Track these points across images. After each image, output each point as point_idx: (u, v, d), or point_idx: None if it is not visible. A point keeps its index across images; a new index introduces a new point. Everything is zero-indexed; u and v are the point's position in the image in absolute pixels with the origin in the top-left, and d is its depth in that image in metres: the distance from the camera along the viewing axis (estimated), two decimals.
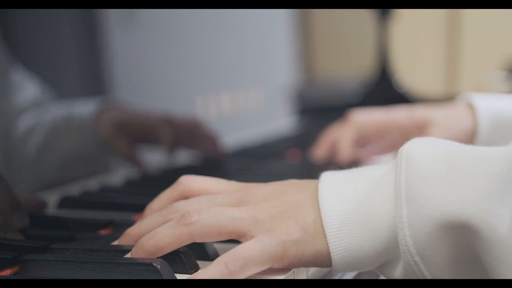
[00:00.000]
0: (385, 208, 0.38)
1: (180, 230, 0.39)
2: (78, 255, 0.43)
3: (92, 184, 0.64)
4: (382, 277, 0.41)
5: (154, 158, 0.73)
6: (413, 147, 0.39)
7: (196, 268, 0.41)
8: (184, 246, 0.41)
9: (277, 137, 1.00)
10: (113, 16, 0.67)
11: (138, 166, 0.70)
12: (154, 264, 0.38)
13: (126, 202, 0.59)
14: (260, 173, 0.70)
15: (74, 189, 0.62)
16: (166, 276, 0.38)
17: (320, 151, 0.76)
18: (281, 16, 1.11)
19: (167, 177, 0.72)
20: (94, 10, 0.65)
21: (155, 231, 0.40)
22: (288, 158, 0.79)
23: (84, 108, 0.63)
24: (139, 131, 0.71)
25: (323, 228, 0.39)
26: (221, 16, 0.89)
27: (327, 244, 0.39)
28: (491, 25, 1.69)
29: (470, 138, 0.70)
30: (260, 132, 0.99)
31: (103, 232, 0.52)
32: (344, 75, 1.29)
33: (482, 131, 0.68)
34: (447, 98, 1.25)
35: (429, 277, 0.37)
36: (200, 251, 0.43)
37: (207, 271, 0.37)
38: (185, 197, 0.45)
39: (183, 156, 0.78)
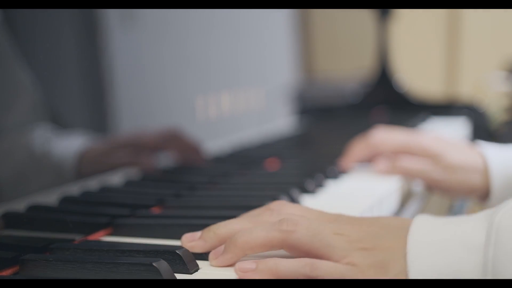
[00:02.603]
0: (471, 275, 0.38)
1: (274, 235, 0.41)
2: (78, 255, 0.43)
3: (92, 184, 0.64)
4: (382, 277, 0.41)
5: (154, 158, 0.73)
6: (506, 218, 0.38)
7: (196, 268, 0.41)
8: None
9: (277, 137, 1.00)
10: (113, 16, 0.67)
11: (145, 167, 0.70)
12: (154, 264, 0.38)
13: (126, 202, 0.59)
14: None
15: (74, 189, 0.62)
16: (166, 276, 0.38)
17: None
18: (281, 16, 1.11)
19: (167, 177, 0.72)
20: (94, 10, 0.65)
21: (250, 230, 0.42)
22: (267, 166, 0.78)
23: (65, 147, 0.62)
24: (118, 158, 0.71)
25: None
26: (221, 16, 0.89)
27: None
28: (491, 25, 1.70)
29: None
30: (260, 132, 0.99)
31: (103, 232, 0.52)
32: (344, 75, 1.29)
33: (494, 191, 0.68)
34: (447, 98, 1.25)
35: None
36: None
37: (286, 262, 0.39)
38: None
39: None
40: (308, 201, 0.60)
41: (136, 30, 0.71)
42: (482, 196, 0.70)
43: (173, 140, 0.77)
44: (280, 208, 0.46)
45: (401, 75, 1.15)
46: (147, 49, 0.74)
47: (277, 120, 1.07)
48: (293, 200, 0.60)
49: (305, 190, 0.64)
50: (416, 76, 1.48)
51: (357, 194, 0.63)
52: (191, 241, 0.44)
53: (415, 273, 0.39)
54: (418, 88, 1.21)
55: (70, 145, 0.62)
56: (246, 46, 0.98)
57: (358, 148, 0.75)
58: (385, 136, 0.74)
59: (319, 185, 0.66)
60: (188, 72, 0.81)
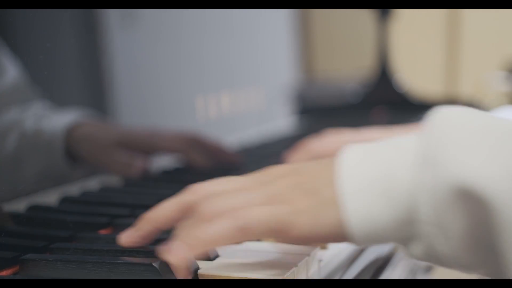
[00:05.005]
0: (407, 175, 0.35)
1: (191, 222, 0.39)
2: (78, 255, 0.43)
3: (92, 184, 0.64)
4: (382, 277, 0.40)
5: (154, 158, 0.73)
6: (447, 113, 0.37)
7: (196, 267, 0.41)
8: None
9: (277, 137, 1.00)
10: (113, 16, 0.67)
11: (137, 173, 0.68)
12: (154, 264, 0.38)
13: (126, 202, 0.59)
14: None
15: (74, 189, 0.62)
16: (166, 276, 0.38)
17: None
18: (281, 16, 1.11)
19: (167, 177, 0.72)
20: (94, 10, 0.65)
21: (158, 207, 0.41)
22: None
23: (54, 122, 0.60)
24: (125, 142, 0.69)
25: (343, 196, 0.36)
26: (221, 16, 0.89)
27: (345, 211, 0.36)
28: (491, 25, 1.69)
29: None
30: (260, 132, 0.99)
31: (103, 232, 0.52)
32: (344, 75, 1.29)
33: None
34: (447, 98, 1.25)
35: (447, 255, 0.35)
36: None
37: (212, 226, 0.37)
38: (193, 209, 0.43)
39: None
40: None
41: (136, 30, 0.71)
42: None
43: (195, 145, 0.74)
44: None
45: (401, 75, 1.15)
46: (147, 49, 0.74)
47: (277, 120, 1.07)
48: None
49: None
50: (416, 76, 1.48)
51: None
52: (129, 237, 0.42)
53: (347, 186, 0.36)
54: (418, 88, 1.21)
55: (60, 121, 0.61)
56: (246, 46, 0.98)
57: (297, 155, 0.72)
58: (323, 140, 0.72)
59: None
60: (188, 72, 0.81)
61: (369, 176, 0.36)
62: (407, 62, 1.31)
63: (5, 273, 0.43)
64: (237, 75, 0.94)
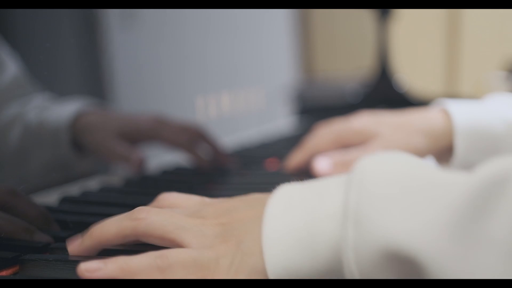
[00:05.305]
0: (330, 227, 0.35)
1: (125, 224, 0.39)
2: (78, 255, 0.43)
3: (92, 184, 0.64)
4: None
5: (154, 158, 0.73)
6: (368, 163, 0.36)
7: None
8: None
9: (277, 137, 1.00)
10: (113, 16, 0.67)
11: (135, 165, 0.68)
12: None
13: (126, 202, 0.59)
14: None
15: (74, 189, 0.62)
16: None
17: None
18: (281, 16, 1.11)
19: (167, 177, 0.72)
20: (94, 10, 0.65)
21: (104, 222, 0.41)
22: (267, 166, 0.78)
23: (58, 112, 0.61)
24: (128, 132, 0.69)
25: (261, 246, 0.36)
26: (221, 16, 0.89)
27: (264, 263, 0.36)
28: (491, 25, 1.70)
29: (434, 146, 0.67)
30: (260, 132, 0.99)
31: None
32: (344, 75, 1.29)
33: (459, 145, 0.65)
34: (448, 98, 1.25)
35: None
36: None
37: (136, 258, 0.37)
38: None
39: (183, 157, 0.78)
40: None
41: (136, 30, 0.71)
42: (441, 156, 0.68)
43: (198, 139, 0.74)
44: (161, 200, 0.45)
45: (401, 75, 1.15)
46: (147, 49, 0.74)
47: (277, 120, 1.07)
48: None
49: None
50: (416, 76, 1.48)
51: None
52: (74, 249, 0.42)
53: (269, 235, 0.36)
54: (418, 88, 1.21)
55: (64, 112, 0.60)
56: (246, 46, 0.98)
57: (296, 156, 0.72)
58: (317, 135, 0.71)
59: None
60: (188, 72, 0.81)
61: (291, 226, 0.36)
62: (407, 62, 1.31)
63: (5, 273, 0.43)
64: (237, 75, 0.94)
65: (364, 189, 0.34)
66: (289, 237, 0.35)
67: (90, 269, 0.37)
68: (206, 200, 0.45)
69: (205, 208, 0.42)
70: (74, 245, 0.42)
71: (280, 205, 0.37)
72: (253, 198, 0.41)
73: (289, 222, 0.36)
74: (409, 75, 1.24)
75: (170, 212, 0.40)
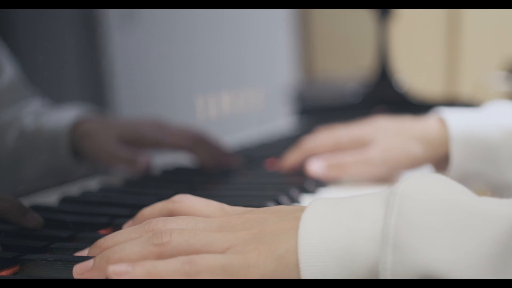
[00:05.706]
0: (369, 248, 0.35)
1: (148, 249, 0.38)
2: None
3: (92, 184, 0.64)
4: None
5: (154, 158, 0.73)
6: (409, 188, 0.36)
7: None
8: None
9: (277, 137, 1.00)
10: (113, 16, 0.67)
11: (141, 168, 0.68)
12: None
13: (126, 202, 0.59)
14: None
15: (74, 189, 0.62)
16: None
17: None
18: (281, 16, 1.11)
19: (167, 177, 0.72)
20: (94, 10, 0.65)
21: (123, 245, 0.38)
22: (267, 166, 0.78)
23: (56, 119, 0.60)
24: (130, 138, 0.68)
25: (297, 260, 0.36)
26: (221, 16, 0.89)
27: (299, 276, 0.36)
28: (491, 25, 1.69)
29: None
30: (260, 132, 0.99)
31: (103, 232, 0.52)
32: (344, 75, 1.29)
33: (454, 157, 0.66)
34: (448, 98, 1.25)
35: None
36: None
37: (164, 263, 0.36)
38: (174, 215, 0.44)
39: (183, 157, 0.78)
40: (308, 201, 0.60)
41: (136, 30, 0.71)
42: (438, 165, 0.69)
43: (200, 143, 0.75)
44: (176, 202, 0.44)
45: (401, 75, 1.15)
46: (147, 49, 0.74)
47: (277, 120, 1.07)
48: (293, 200, 0.60)
49: (305, 190, 0.64)
50: (416, 76, 1.48)
51: (358, 193, 0.63)
52: (83, 272, 0.39)
53: (304, 247, 0.36)
54: (418, 88, 1.21)
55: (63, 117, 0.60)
56: (246, 46, 0.98)
57: (292, 156, 0.72)
58: (316, 138, 0.72)
59: (320, 185, 0.66)
60: (188, 72, 0.81)
61: (329, 245, 0.36)
62: (407, 62, 1.31)
63: (5, 273, 0.43)
64: (237, 75, 0.94)
65: (404, 215, 0.35)
66: (327, 255, 0.35)
67: (118, 272, 0.36)
68: (226, 207, 0.44)
69: (232, 220, 0.41)
70: (83, 267, 0.39)
71: (316, 220, 0.37)
72: (282, 210, 0.41)
73: (327, 239, 0.36)
74: (409, 75, 1.24)
75: (193, 228, 0.39)
